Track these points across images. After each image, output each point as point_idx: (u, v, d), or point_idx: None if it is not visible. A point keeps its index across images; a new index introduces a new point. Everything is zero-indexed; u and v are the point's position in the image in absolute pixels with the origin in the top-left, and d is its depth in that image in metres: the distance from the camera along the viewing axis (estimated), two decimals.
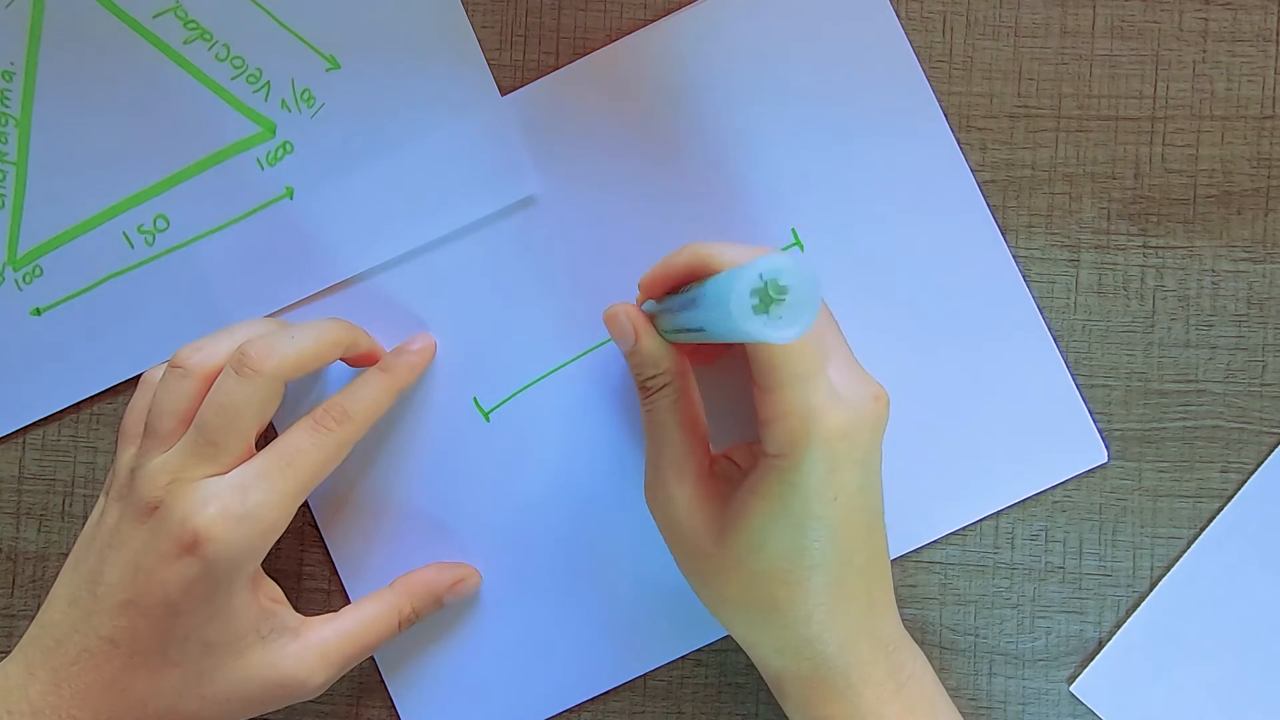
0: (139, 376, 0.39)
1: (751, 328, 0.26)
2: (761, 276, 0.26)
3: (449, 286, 0.40)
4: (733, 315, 0.26)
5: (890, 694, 0.34)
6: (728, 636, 0.39)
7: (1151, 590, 0.39)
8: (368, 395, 0.37)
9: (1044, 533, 0.39)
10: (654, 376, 0.35)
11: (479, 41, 0.39)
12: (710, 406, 0.37)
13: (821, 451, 0.31)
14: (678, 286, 0.34)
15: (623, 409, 0.40)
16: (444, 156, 0.39)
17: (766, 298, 0.26)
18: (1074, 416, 0.39)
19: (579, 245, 0.40)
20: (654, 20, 0.39)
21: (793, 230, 0.39)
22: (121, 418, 0.37)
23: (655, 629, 0.40)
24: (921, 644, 0.39)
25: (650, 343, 0.34)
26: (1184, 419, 0.39)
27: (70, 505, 0.41)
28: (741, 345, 0.33)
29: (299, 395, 0.40)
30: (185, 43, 0.40)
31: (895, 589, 0.39)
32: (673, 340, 0.34)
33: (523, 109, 0.39)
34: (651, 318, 0.35)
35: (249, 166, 0.40)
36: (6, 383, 0.41)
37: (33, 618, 0.35)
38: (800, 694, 0.34)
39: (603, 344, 0.40)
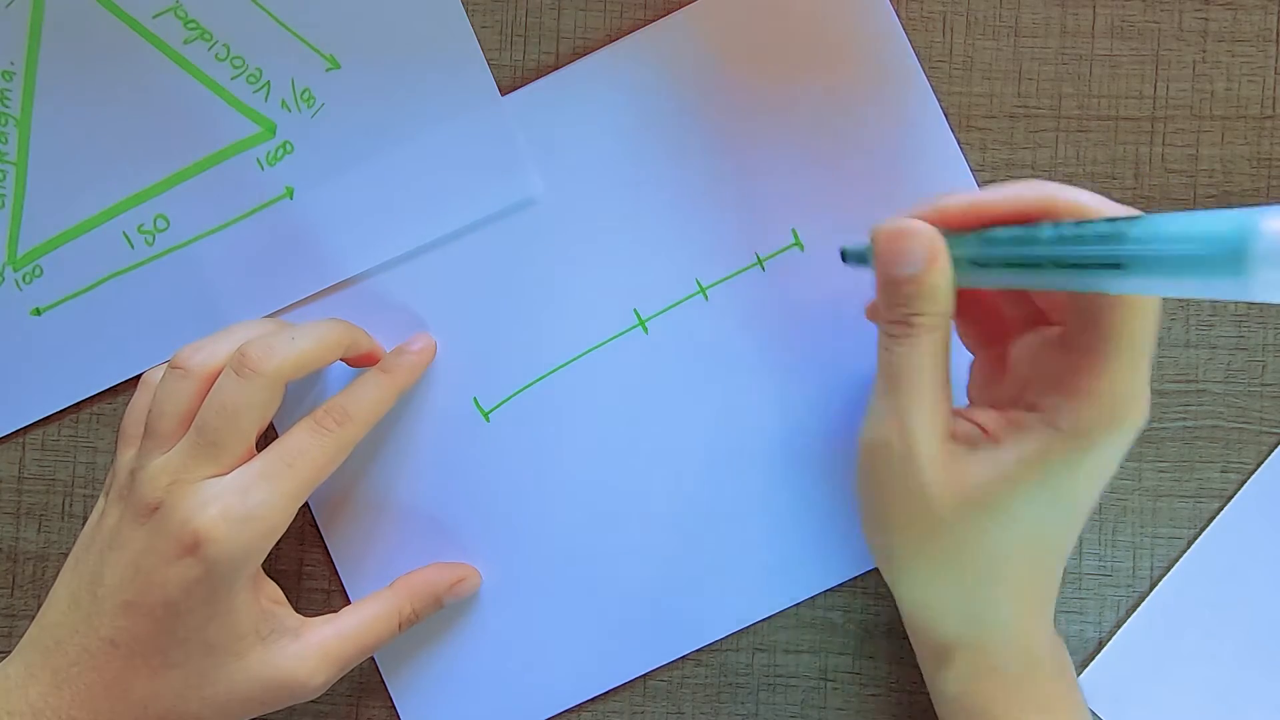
0: (139, 377, 0.39)
1: (1257, 284, 0.23)
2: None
3: (449, 286, 0.40)
4: (1249, 263, 0.23)
5: (1059, 685, 0.34)
6: (728, 636, 0.39)
7: (1151, 590, 0.39)
8: (368, 396, 0.37)
9: None
10: (927, 314, 0.31)
11: (479, 41, 0.39)
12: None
13: (1122, 440, 0.30)
14: (997, 223, 0.30)
15: (623, 408, 0.40)
16: (444, 156, 0.39)
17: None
18: None
19: (579, 245, 0.40)
20: (654, 20, 0.39)
21: (793, 230, 0.39)
22: (121, 418, 0.37)
23: (655, 629, 0.40)
24: None
25: (943, 274, 0.30)
26: (1184, 419, 0.39)
27: (70, 505, 0.41)
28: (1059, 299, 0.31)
29: (299, 396, 0.40)
30: (185, 43, 0.40)
31: None
32: (961, 282, 0.31)
33: (523, 109, 0.39)
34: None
35: (249, 166, 0.40)
36: (6, 383, 0.41)
37: (33, 618, 0.35)
38: (970, 664, 0.33)
39: (603, 344, 0.40)
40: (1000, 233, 0.30)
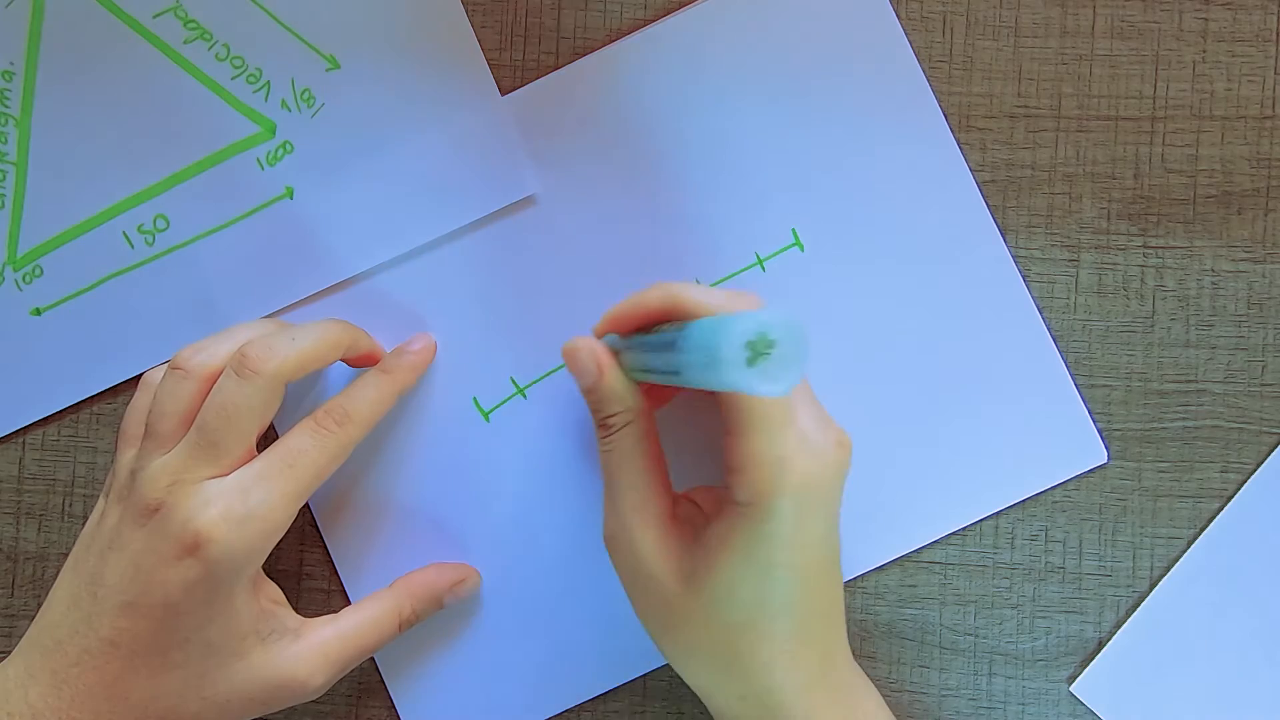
0: (139, 377, 0.39)
1: (740, 380, 0.26)
2: (755, 329, 0.26)
3: (449, 286, 0.40)
4: (722, 366, 0.26)
5: None
6: None
7: (1151, 590, 0.39)
8: (368, 396, 0.37)
9: (1044, 533, 0.39)
10: (617, 414, 0.34)
11: (479, 41, 0.39)
12: (666, 447, 0.36)
13: (791, 501, 0.31)
14: (646, 325, 0.34)
15: None
16: (444, 156, 0.39)
17: (757, 351, 0.26)
18: (1073, 417, 0.39)
19: (578, 245, 0.40)
20: (654, 20, 0.39)
21: (793, 230, 0.39)
22: (121, 418, 0.37)
23: None
24: (921, 644, 0.39)
25: (614, 379, 0.34)
26: (1184, 419, 0.39)
27: (70, 505, 0.41)
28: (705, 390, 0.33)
29: (300, 396, 0.40)
30: (185, 43, 0.40)
31: (896, 589, 0.39)
32: (637, 379, 0.34)
33: (523, 109, 0.39)
34: (614, 353, 0.34)
35: (249, 166, 0.40)
36: (6, 383, 0.41)
37: (32, 618, 0.35)
38: None
39: None
40: (639, 338, 0.33)
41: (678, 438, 0.39)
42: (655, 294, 0.33)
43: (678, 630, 0.33)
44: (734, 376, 0.26)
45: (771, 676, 0.33)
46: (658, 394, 0.37)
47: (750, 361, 0.26)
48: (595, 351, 0.34)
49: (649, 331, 0.33)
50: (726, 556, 0.32)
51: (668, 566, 0.33)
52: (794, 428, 0.31)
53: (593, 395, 0.34)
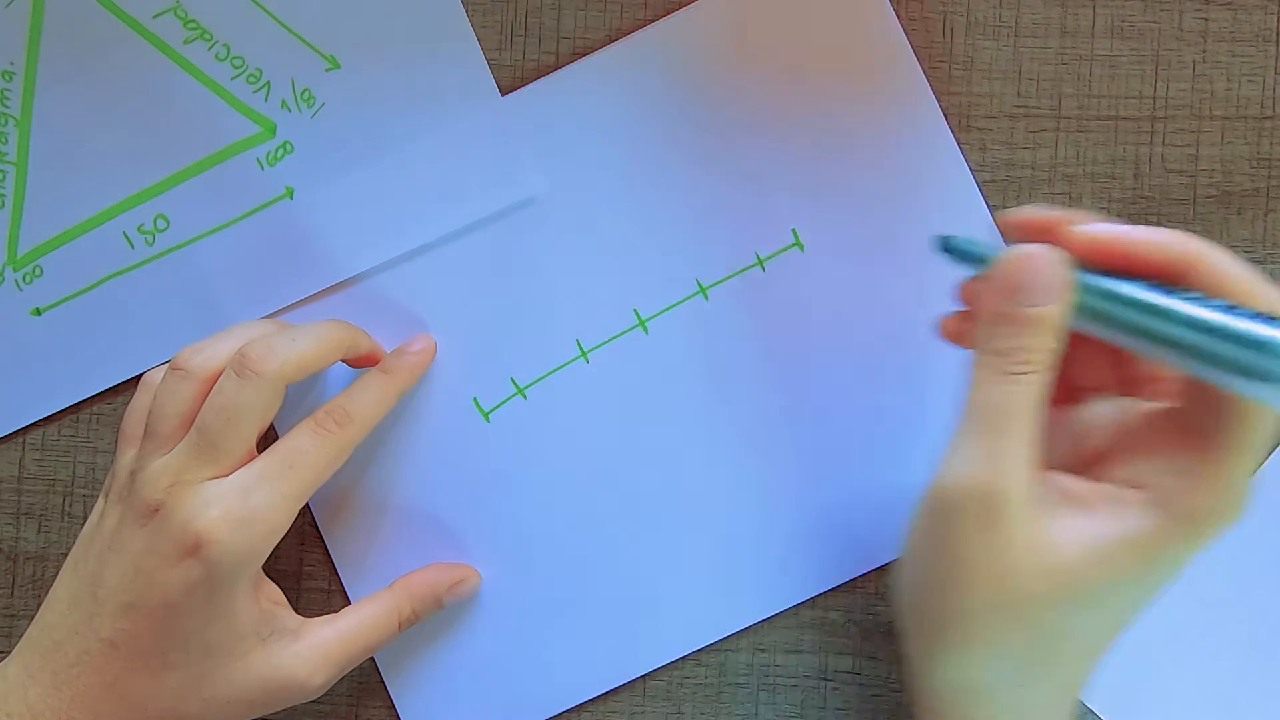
0: (139, 377, 0.39)
1: None
2: None
3: (449, 286, 0.40)
4: None
5: None
6: (728, 637, 0.39)
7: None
8: (369, 397, 0.37)
9: None
10: (1044, 352, 0.28)
11: (479, 41, 0.39)
12: None
13: (1218, 533, 0.28)
14: (1132, 269, 0.29)
15: (623, 409, 0.40)
16: (444, 156, 0.39)
17: None
18: None
19: (579, 245, 0.40)
20: (654, 20, 0.39)
21: (793, 230, 0.39)
22: (121, 418, 0.37)
23: (655, 629, 0.40)
24: None
25: (1067, 311, 0.28)
26: None
27: (70, 505, 0.41)
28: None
29: (300, 397, 0.40)
30: (185, 43, 0.40)
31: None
32: (1076, 326, 0.29)
33: (523, 109, 0.39)
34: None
35: (249, 166, 0.40)
36: (6, 383, 0.41)
37: (32, 618, 0.35)
38: None
39: (603, 344, 0.40)
40: (1131, 291, 0.28)
41: None
42: (1179, 245, 0.28)
43: (1007, 617, 0.29)
44: None
45: (1062, 707, 0.31)
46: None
47: None
48: (1065, 274, 0.28)
49: (1174, 289, 0.28)
50: (1127, 562, 0.28)
51: (1036, 546, 0.28)
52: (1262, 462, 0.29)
53: (1031, 321, 0.28)
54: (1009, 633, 0.29)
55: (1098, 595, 0.28)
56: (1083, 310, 0.29)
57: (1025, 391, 0.28)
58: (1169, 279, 0.28)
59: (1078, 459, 0.31)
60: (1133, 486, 0.29)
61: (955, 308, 0.34)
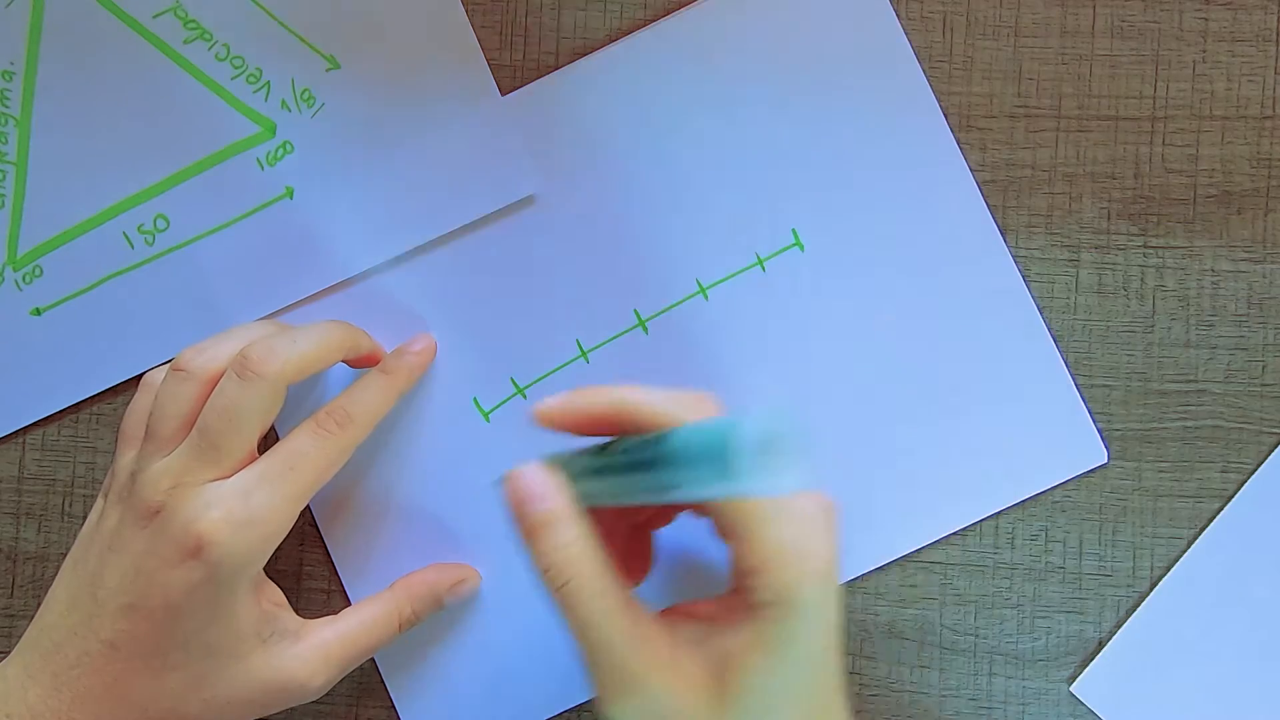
0: (139, 377, 0.39)
1: (758, 484, 0.25)
2: (763, 430, 0.25)
3: (449, 286, 0.40)
4: (738, 475, 0.25)
5: None
6: None
7: (1151, 590, 0.39)
8: (369, 398, 0.37)
9: (1044, 533, 0.39)
10: (568, 544, 0.30)
11: (479, 41, 0.39)
12: None
13: (820, 586, 0.30)
14: (587, 432, 0.32)
15: None
16: (444, 156, 0.39)
17: (766, 451, 0.25)
18: (1074, 417, 0.39)
19: (579, 245, 0.40)
20: (654, 20, 0.39)
21: (793, 230, 0.39)
22: (121, 419, 0.37)
23: None
24: (921, 644, 0.39)
25: (569, 504, 0.30)
26: (1184, 419, 0.39)
27: (70, 505, 0.41)
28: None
29: (301, 398, 0.40)
30: (185, 43, 0.39)
31: (896, 589, 0.40)
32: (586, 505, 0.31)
33: (523, 109, 0.39)
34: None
35: (249, 166, 0.40)
36: (6, 383, 0.41)
37: (32, 619, 0.35)
38: None
39: (603, 344, 0.40)
40: (588, 459, 0.31)
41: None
42: (602, 399, 0.31)
43: None
44: (751, 483, 0.25)
45: None
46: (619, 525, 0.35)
47: (761, 465, 0.25)
48: (546, 473, 0.31)
49: (601, 452, 0.31)
50: (758, 663, 0.29)
51: (692, 700, 0.30)
52: (793, 506, 0.30)
53: (546, 529, 0.30)
54: None
55: (757, 692, 0.30)
56: (583, 495, 0.31)
57: (586, 586, 0.29)
58: (621, 430, 0.31)
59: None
60: (738, 591, 0.30)
61: None
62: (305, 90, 0.39)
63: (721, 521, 0.30)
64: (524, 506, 0.31)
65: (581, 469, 0.31)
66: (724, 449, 0.25)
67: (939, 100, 0.39)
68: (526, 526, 0.30)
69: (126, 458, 0.36)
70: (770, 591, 0.29)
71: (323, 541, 0.40)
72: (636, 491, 0.29)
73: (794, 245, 0.39)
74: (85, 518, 0.37)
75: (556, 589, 0.30)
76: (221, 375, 0.34)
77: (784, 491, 0.25)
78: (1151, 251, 0.39)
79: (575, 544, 0.30)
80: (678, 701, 0.30)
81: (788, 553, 0.29)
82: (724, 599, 0.32)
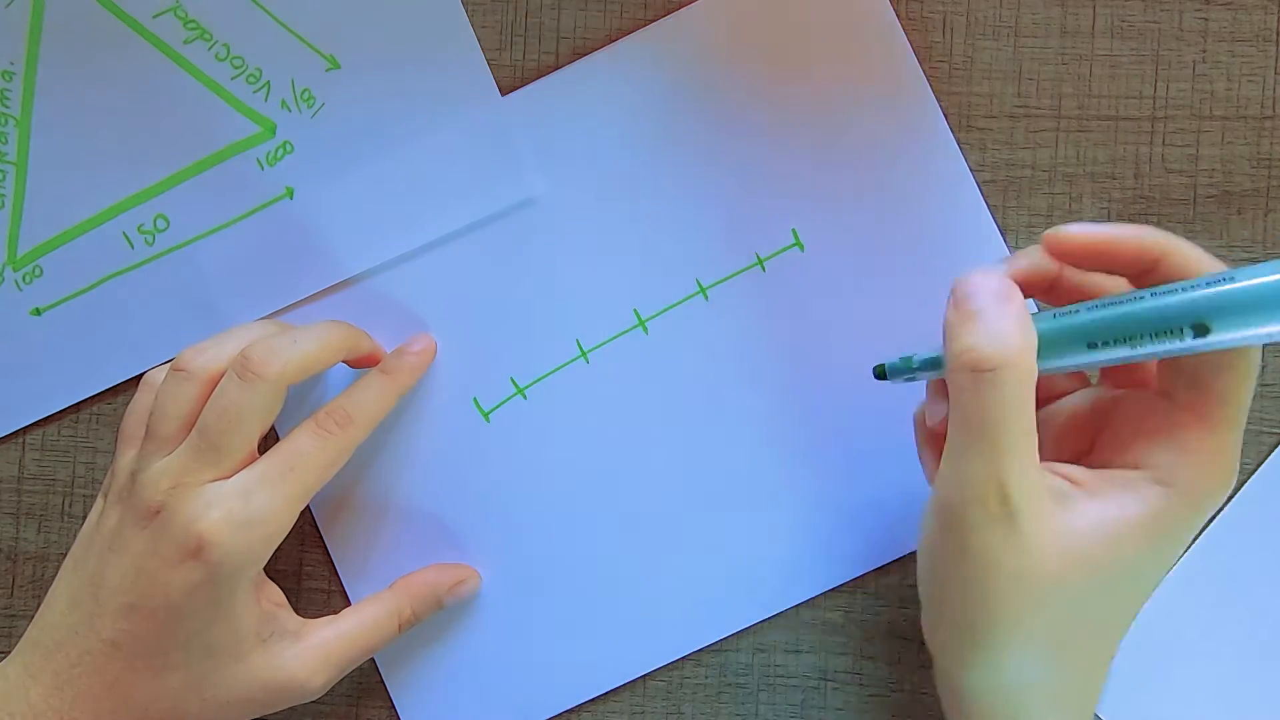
0: (139, 377, 0.39)
1: None
2: None
3: (449, 286, 0.40)
4: None
5: None
6: (728, 637, 0.39)
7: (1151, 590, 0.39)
8: (369, 398, 0.37)
9: None
10: (1016, 350, 0.28)
11: (479, 41, 0.39)
12: None
13: (1220, 499, 0.29)
14: (1111, 269, 0.30)
15: (623, 409, 0.40)
16: (444, 156, 0.39)
17: None
18: None
19: (579, 245, 0.40)
20: (654, 20, 0.39)
21: (793, 230, 0.39)
22: (121, 419, 0.37)
23: (655, 629, 0.40)
24: (921, 644, 0.39)
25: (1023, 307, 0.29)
26: None
27: (70, 505, 0.41)
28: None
29: (301, 398, 0.40)
30: (185, 43, 0.39)
31: (896, 589, 0.39)
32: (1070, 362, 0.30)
33: (523, 109, 0.39)
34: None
35: (249, 166, 0.40)
36: (6, 383, 0.41)
37: (32, 619, 0.35)
38: None
39: (603, 344, 0.40)
40: (1094, 310, 0.29)
41: None
42: (1136, 231, 0.29)
43: (1040, 613, 0.29)
44: None
45: (1100, 677, 0.31)
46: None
47: None
48: (1000, 278, 0.29)
49: (1119, 299, 0.29)
50: (1139, 538, 0.29)
51: (1051, 536, 0.28)
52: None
53: (985, 317, 0.28)
54: (1035, 627, 0.29)
55: (1118, 576, 0.29)
56: (1053, 348, 0.29)
57: (1015, 391, 0.28)
58: (1142, 271, 0.30)
59: (1066, 451, 0.33)
60: (1134, 468, 0.30)
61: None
62: (305, 90, 0.39)
63: (1196, 400, 0.29)
64: (975, 295, 0.29)
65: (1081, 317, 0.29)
66: None
67: (939, 100, 0.39)
68: (982, 305, 0.29)
69: (126, 458, 0.36)
70: (1196, 481, 0.29)
71: (323, 541, 0.40)
72: (1141, 338, 0.28)
73: (794, 245, 0.39)
74: (85, 518, 0.37)
75: (982, 384, 0.28)
76: (222, 375, 0.34)
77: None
78: None
79: (1026, 350, 0.28)
80: (1030, 535, 0.28)
81: (1228, 453, 0.29)
82: (1108, 474, 0.30)
